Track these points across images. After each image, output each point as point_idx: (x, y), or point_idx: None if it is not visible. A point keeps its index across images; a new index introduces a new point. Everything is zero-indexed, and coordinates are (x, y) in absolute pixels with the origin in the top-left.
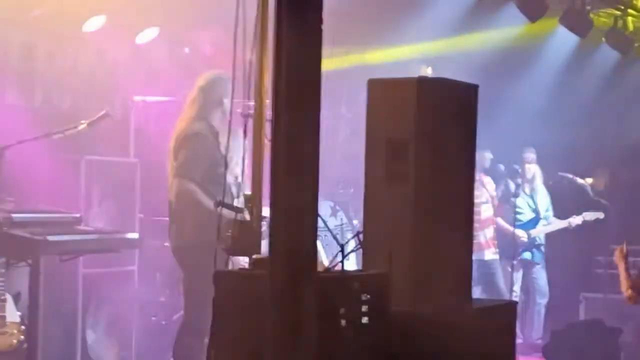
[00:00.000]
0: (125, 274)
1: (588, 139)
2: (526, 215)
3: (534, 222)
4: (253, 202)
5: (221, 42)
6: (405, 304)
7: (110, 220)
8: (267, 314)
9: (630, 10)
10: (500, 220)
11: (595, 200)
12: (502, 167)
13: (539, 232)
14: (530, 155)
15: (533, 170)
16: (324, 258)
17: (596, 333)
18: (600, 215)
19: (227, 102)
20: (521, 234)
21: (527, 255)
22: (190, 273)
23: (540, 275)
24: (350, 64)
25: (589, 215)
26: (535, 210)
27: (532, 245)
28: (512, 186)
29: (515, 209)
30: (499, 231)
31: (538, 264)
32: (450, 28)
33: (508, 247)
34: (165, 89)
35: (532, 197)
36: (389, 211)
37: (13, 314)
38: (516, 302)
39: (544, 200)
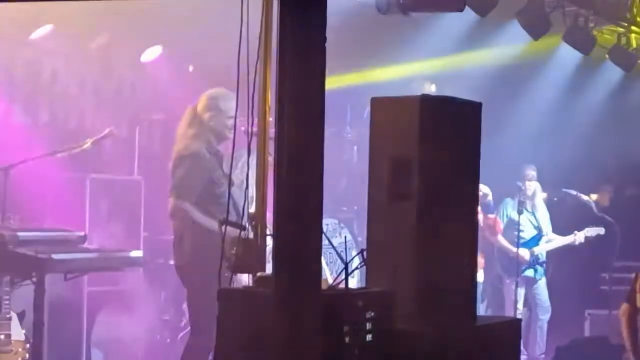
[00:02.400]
0: (129, 293)
1: (592, 155)
2: (529, 232)
3: (536, 239)
4: (257, 219)
5: (225, 60)
6: (409, 321)
7: (115, 238)
8: (271, 332)
9: (633, 27)
10: (502, 239)
11: (600, 216)
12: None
13: (544, 249)
14: (531, 172)
15: (534, 187)
16: (329, 275)
17: (601, 350)
18: (602, 230)
19: (228, 120)
20: (523, 253)
21: (529, 272)
22: (192, 291)
23: (542, 291)
24: (354, 82)
25: (591, 231)
26: (538, 228)
27: (535, 262)
28: (510, 203)
29: (519, 226)
30: (502, 249)
31: (539, 280)
32: (453, 45)
33: (511, 264)
34: (169, 107)
35: (533, 214)
36: (392, 229)
37: (18, 332)
38: (520, 320)
39: (544, 217)
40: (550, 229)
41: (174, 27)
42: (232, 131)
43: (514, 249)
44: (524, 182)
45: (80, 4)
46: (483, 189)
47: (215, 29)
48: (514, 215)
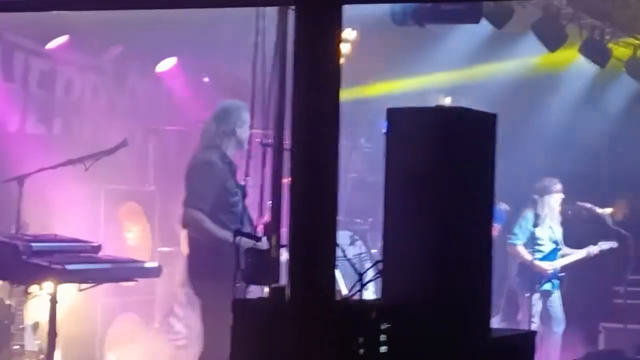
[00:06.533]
0: (144, 303)
1: (607, 168)
2: (547, 246)
3: (554, 253)
4: (271, 230)
5: (240, 71)
6: (424, 333)
7: (129, 249)
8: (285, 344)
9: None
10: (522, 251)
11: (615, 230)
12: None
13: (560, 263)
14: (558, 185)
15: (559, 201)
16: (343, 287)
17: None
18: (614, 244)
19: (241, 131)
20: (546, 266)
21: (547, 286)
22: (205, 301)
23: (557, 304)
24: (369, 93)
25: (605, 245)
26: (556, 242)
27: (554, 276)
28: (531, 217)
29: (537, 240)
30: (522, 263)
31: (554, 293)
32: (469, 57)
33: (529, 277)
34: (184, 118)
35: (551, 228)
36: (407, 240)
37: (31, 343)
38: (535, 332)
39: (559, 231)
40: (563, 242)
41: (189, 38)
42: (245, 141)
43: (535, 263)
44: (548, 195)
45: (95, 14)
46: None
47: (231, 39)
48: (536, 229)
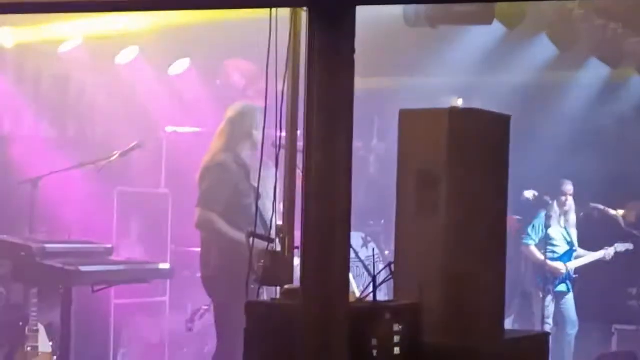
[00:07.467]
0: (156, 305)
1: (619, 170)
2: (562, 247)
3: (569, 254)
4: (285, 232)
5: (253, 73)
6: (438, 334)
7: (142, 250)
8: (299, 345)
9: None
10: (535, 251)
11: (627, 231)
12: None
13: (575, 264)
14: (569, 187)
15: (570, 202)
16: (356, 289)
17: None
18: (630, 246)
19: (256, 133)
20: (559, 266)
21: (562, 287)
22: (219, 303)
23: (570, 306)
24: (382, 87)
25: (621, 247)
26: (570, 243)
27: (568, 277)
28: (543, 217)
29: (551, 240)
30: (536, 264)
31: (567, 294)
32: (481, 58)
33: (543, 278)
34: (197, 120)
35: (566, 229)
36: (420, 242)
37: (45, 344)
38: (548, 334)
39: (575, 232)
40: (577, 244)
41: (202, 40)
42: (259, 143)
43: (548, 263)
44: (560, 196)
45: (108, 17)
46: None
47: (243, 41)
48: (550, 229)
